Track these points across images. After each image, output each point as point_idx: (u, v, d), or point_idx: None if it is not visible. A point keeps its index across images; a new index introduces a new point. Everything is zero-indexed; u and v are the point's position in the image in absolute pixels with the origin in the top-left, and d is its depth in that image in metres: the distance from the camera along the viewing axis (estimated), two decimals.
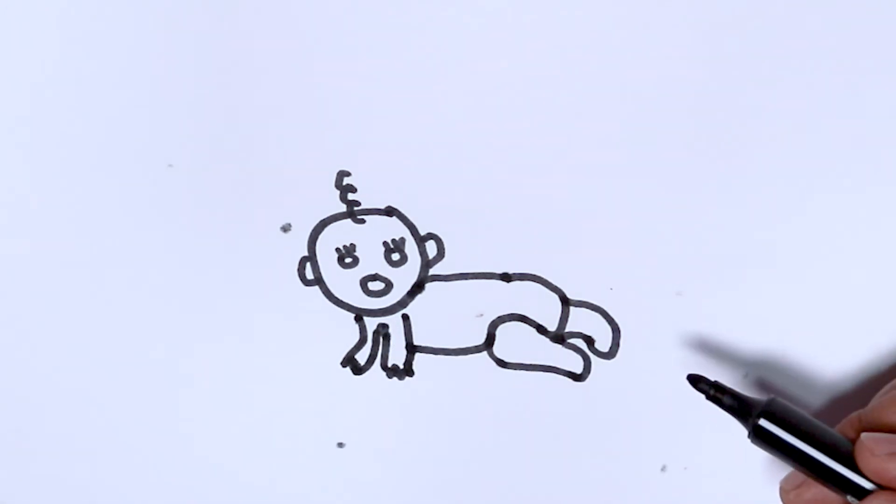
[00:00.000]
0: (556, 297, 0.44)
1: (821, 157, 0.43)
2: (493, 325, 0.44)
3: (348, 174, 0.44)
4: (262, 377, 0.45)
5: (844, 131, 0.43)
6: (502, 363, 0.44)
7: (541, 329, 0.44)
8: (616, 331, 0.44)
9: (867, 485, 0.38)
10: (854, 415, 0.40)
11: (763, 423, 0.39)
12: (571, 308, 0.44)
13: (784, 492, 0.41)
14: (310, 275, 0.45)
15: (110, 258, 0.45)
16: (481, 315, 0.44)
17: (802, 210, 0.43)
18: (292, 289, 0.45)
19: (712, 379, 0.40)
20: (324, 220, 0.44)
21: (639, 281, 0.44)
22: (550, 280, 0.44)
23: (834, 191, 0.43)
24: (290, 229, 0.44)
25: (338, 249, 0.45)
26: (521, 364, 0.44)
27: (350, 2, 0.43)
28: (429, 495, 0.45)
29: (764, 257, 0.44)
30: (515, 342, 0.44)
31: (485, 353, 0.44)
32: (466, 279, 0.44)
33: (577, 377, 0.44)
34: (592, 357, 0.44)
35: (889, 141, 0.43)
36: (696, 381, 0.40)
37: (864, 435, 0.38)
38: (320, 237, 0.44)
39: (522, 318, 0.44)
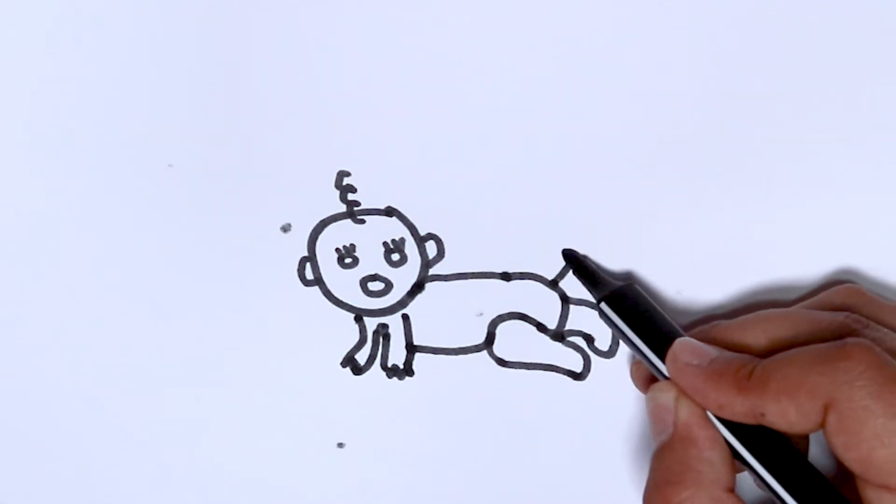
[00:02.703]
0: (555, 296, 0.44)
1: (821, 158, 0.43)
2: (493, 324, 0.44)
3: (348, 174, 0.44)
4: (261, 377, 0.45)
5: (845, 132, 0.43)
6: (502, 362, 0.44)
7: (541, 327, 0.44)
8: None
9: None
10: (715, 323, 0.41)
11: (603, 306, 0.42)
12: (571, 307, 0.44)
13: (631, 365, 0.43)
14: (310, 275, 0.45)
15: (110, 258, 0.45)
16: (481, 314, 0.44)
17: (803, 210, 0.43)
18: (292, 289, 0.45)
19: (582, 256, 0.43)
20: (324, 220, 0.44)
21: (639, 280, 0.44)
22: (550, 279, 0.44)
23: (834, 191, 0.43)
24: (290, 229, 0.44)
25: (338, 249, 0.45)
26: (521, 363, 0.44)
27: (350, 2, 0.43)
28: (429, 495, 0.45)
29: (764, 257, 0.44)
30: (515, 341, 0.44)
31: (485, 352, 0.44)
32: (466, 279, 0.44)
33: (577, 376, 0.44)
34: (592, 356, 0.44)
35: (889, 142, 0.43)
36: (567, 256, 0.43)
37: (679, 339, 0.40)
38: (320, 237, 0.44)
39: (522, 317, 0.44)
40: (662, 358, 0.40)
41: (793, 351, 0.37)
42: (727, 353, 0.39)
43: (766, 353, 0.38)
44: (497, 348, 0.44)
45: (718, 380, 0.38)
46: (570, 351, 0.44)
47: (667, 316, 0.41)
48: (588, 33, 0.43)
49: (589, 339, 0.44)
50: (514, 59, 0.43)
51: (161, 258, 0.45)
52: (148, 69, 0.44)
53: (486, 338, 0.45)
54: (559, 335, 0.44)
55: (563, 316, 0.44)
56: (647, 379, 0.42)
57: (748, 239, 0.43)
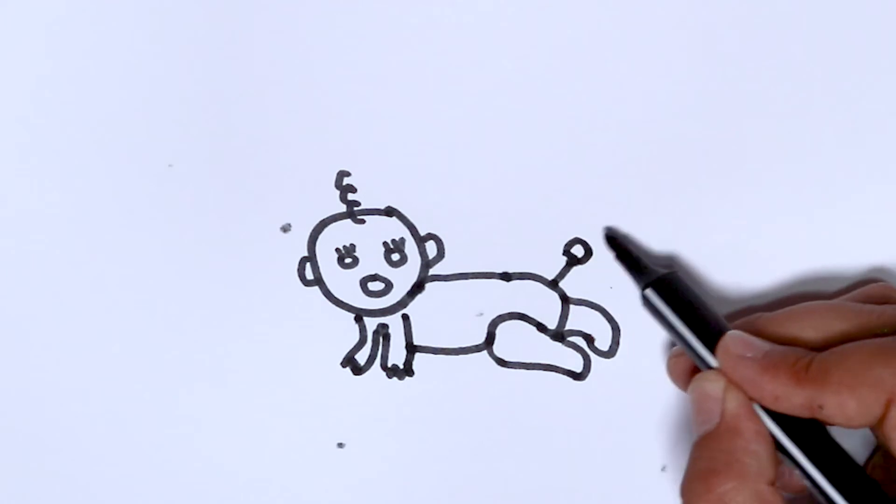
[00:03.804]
0: (555, 296, 0.44)
1: (822, 158, 0.43)
2: (493, 324, 0.44)
3: (348, 174, 0.44)
4: (261, 377, 0.45)
5: (845, 133, 0.43)
6: (502, 362, 0.44)
7: (541, 327, 0.44)
8: (616, 329, 0.44)
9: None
10: (758, 315, 0.41)
11: (648, 293, 0.41)
12: (571, 306, 0.44)
13: (669, 357, 0.42)
14: (310, 275, 0.45)
15: (110, 258, 0.45)
16: (481, 314, 0.44)
17: (803, 209, 0.43)
18: (292, 289, 0.45)
19: (625, 240, 0.43)
20: (324, 220, 0.44)
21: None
22: (550, 279, 0.44)
23: (834, 191, 0.43)
24: (290, 229, 0.44)
25: (338, 250, 0.45)
26: (521, 363, 0.44)
27: (350, 2, 0.43)
28: (429, 495, 0.45)
29: (764, 257, 0.44)
30: (515, 341, 0.44)
31: (485, 352, 0.44)
32: (466, 279, 0.44)
33: (577, 376, 0.44)
34: (592, 356, 0.44)
35: (889, 142, 0.43)
36: (610, 238, 0.43)
37: (731, 332, 0.39)
38: (320, 237, 0.44)
39: (522, 317, 0.44)
40: (710, 348, 0.40)
41: (853, 344, 0.37)
42: (780, 346, 0.39)
43: (819, 345, 0.38)
44: (497, 348, 0.44)
45: (775, 372, 0.38)
46: (570, 351, 0.44)
47: (711, 306, 0.41)
48: (589, 33, 0.43)
49: (589, 339, 0.44)
50: (514, 59, 0.43)
51: (161, 258, 0.45)
52: (148, 69, 0.44)
53: (486, 338, 0.44)
54: (559, 335, 0.44)
55: (563, 316, 0.44)
56: (685, 372, 0.41)
57: (748, 238, 0.43)
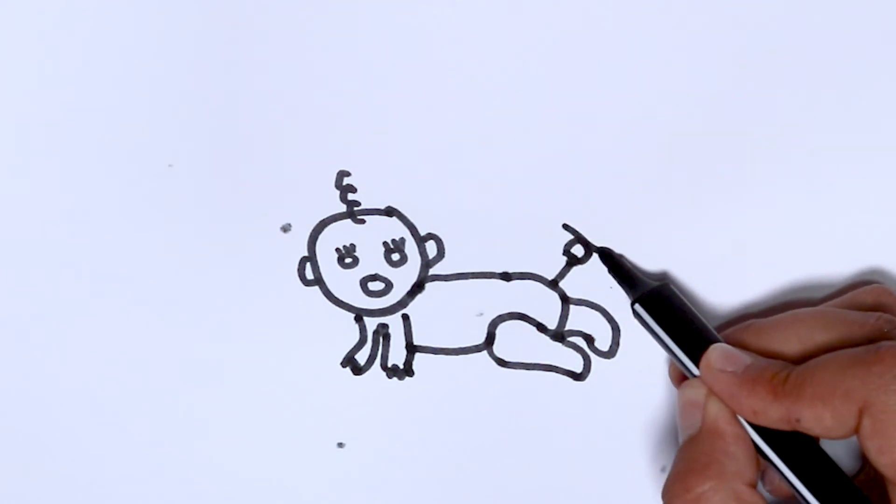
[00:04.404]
0: (555, 296, 0.44)
1: (822, 159, 0.43)
2: (493, 325, 0.44)
3: (348, 174, 0.44)
4: (261, 377, 0.45)
5: (845, 133, 0.43)
6: (502, 362, 0.44)
7: (541, 327, 0.44)
8: (616, 330, 0.44)
9: None
10: (749, 322, 0.41)
11: (637, 307, 0.42)
12: (571, 306, 0.44)
13: (670, 363, 0.43)
14: (310, 275, 0.45)
15: (110, 258, 0.45)
16: (481, 314, 0.44)
17: (803, 209, 0.43)
18: (292, 289, 0.45)
19: (618, 256, 0.43)
20: (324, 220, 0.44)
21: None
22: (550, 279, 0.44)
23: (835, 190, 0.43)
24: (290, 229, 0.44)
25: (338, 249, 0.45)
26: (521, 363, 0.44)
27: (350, 2, 0.43)
28: (429, 495, 0.45)
29: (764, 257, 0.44)
30: (515, 341, 0.44)
31: (485, 352, 0.44)
32: (466, 279, 0.44)
33: (577, 376, 0.44)
34: (592, 356, 0.44)
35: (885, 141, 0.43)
36: (603, 254, 0.43)
37: (714, 346, 0.40)
38: (320, 237, 0.44)
39: (522, 317, 0.44)
40: (695, 360, 0.40)
41: (827, 356, 0.38)
42: (761, 360, 0.39)
43: (801, 356, 0.39)
44: (497, 348, 0.44)
45: (753, 386, 0.38)
46: (570, 351, 0.44)
47: (702, 317, 0.41)
48: (589, 33, 0.43)
49: (589, 340, 0.44)
50: (514, 59, 0.43)
51: (161, 258, 0.45)
52: (148, 69, 0.44)
53: (486, 338, 0.45)
54: (559, 335, 0.44)
55: (563, 316, 0.44)
56: (681, 377, 0.42)
57: (748, 240, 0.44)
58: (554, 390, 0.44)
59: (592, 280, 0.44)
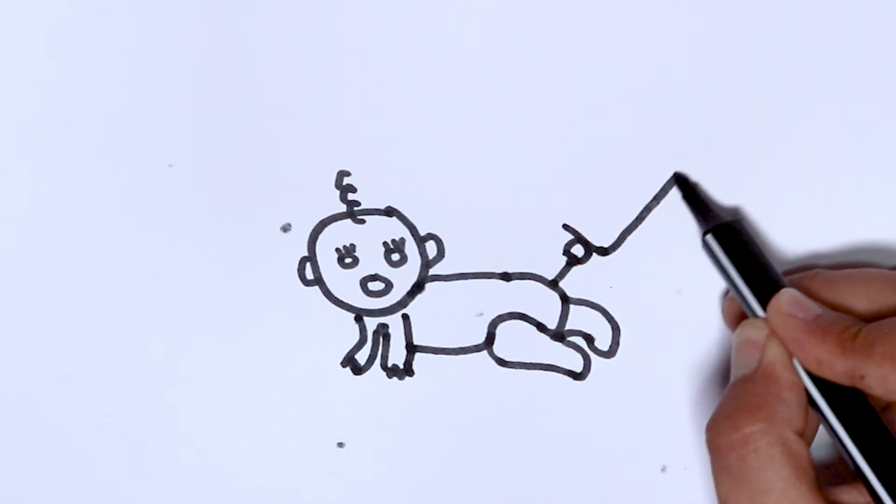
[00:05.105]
0: (555, 296, 0.44)
1: (822, 159, 0.43)
2: (493, 324, 0.44)
3: (348, 174, 0.44)
4: (261, 377, 0.45)
5: (845, 134, 0.43)
6: (502, 362, 0.44)
7: (541, 327, 0.44)
8: (616, 329, 0.44)
9: None
10: (817, 271, 0.41)
11: (709, 238, 0.41)
12: (571, 306, 0.44)
13: (726, 299, 0.43)
14: (310, 275, 0.45)
15: (110, 258, 0.45)
16: (481, 314, 0.44)
17: (803, 209, 0.43)
18: (292, 289, 0.45)
19: (694, 183, 0.43)
20: (324, 220, 0.44)
21: (639, 280, 0.44)
22: (550, 279, 0.44)
23: (835, 191, 0.43)
24: (290, 229, 0.44)
25: (338, 249, 0.45)
26: (521, 363, 0.44)
27: (350, 2, 0.43)
28: (429, 495, 0.45)
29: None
30: (515, 341, 0.44)
31: (485, 352, 0.44)
32: (466, 279, 0.44)
33: (577, 376, 0.44)
34: (592, 356, 0.44)
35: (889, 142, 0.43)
36: (679, 179, 0.43)
37: (785, 289, 0.40)
38: (320, 237, 0.44)
39: (522, 317, 0.44)
40: (762, 301, 0.40)
41: None
42: (831, 312, 0.39)
43: (868, 315, 0.39)
44: (497, 348, 0.44)
45: (823, 336, 0.38)
46: (570, 351, 0.44)
47: (771, 260, 0.41)
48: (589, 33, 0.43)
49: (589, 339, 0.44)
50: (514, 60, 0.43)
51: (161, 258, 0.45)
52: (148, 69, 0.44)
53: (486, 338, 0.45)
54: (559, 335, 0.44)
55: (563, 316, 0.44)
56: (736, 316, 0.41)
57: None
58: (554, 390, 0.44)
59: (592, 280, 0.44)
